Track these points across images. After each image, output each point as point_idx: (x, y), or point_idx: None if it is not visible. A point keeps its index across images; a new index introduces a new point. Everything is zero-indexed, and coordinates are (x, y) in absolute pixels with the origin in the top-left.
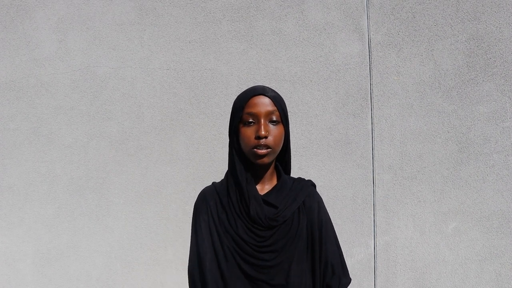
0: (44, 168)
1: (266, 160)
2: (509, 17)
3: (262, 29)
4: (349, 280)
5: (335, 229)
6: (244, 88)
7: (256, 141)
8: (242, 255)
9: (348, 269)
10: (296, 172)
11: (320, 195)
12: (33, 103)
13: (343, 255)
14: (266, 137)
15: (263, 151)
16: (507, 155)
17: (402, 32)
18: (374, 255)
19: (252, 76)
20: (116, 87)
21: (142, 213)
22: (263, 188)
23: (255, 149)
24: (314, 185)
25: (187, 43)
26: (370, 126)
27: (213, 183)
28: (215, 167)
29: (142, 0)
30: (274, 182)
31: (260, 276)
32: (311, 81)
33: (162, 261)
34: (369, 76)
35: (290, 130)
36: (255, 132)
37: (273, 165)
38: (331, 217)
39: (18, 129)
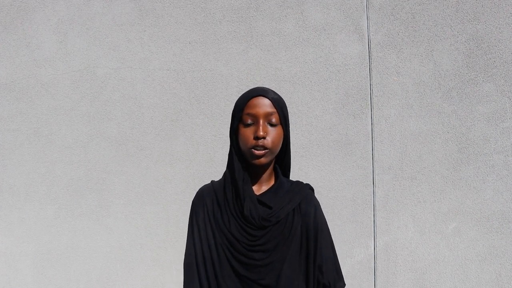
0: (44, 168)
1: (263, 160)
2: (508, 17)
3: (262, 29)
4: (343, 284)
5: (334, 231)
6: (244, 88)
7: (254, 141)
8: (233, 253)
9: (348, 269)
10: (296, 172)
11: (320, 195)
12: (33, 103)
13: (338, 261)
14: (264, 138)
15: (261, 152)
16: (507, 155)
17: (402, 32)
18: (374, 255)
19: (252, 77)
20: (116, 88)
21: (142, 213)
22: (260, 188)
23: (253, 150)
24: (312, 189)
25: (187, 43)
26: (370, 127)
27: (212, 181)
28: (215, 167)
29: (142, 1)
30: (272, 183)
31: (250, 275)
32: (311, 81)
33: (162, 261)
34: (369, 76)
35: (290, 130)
36: (254, 132)
37: (271, 167)
38: (331, 218)
39: (18, 130)
